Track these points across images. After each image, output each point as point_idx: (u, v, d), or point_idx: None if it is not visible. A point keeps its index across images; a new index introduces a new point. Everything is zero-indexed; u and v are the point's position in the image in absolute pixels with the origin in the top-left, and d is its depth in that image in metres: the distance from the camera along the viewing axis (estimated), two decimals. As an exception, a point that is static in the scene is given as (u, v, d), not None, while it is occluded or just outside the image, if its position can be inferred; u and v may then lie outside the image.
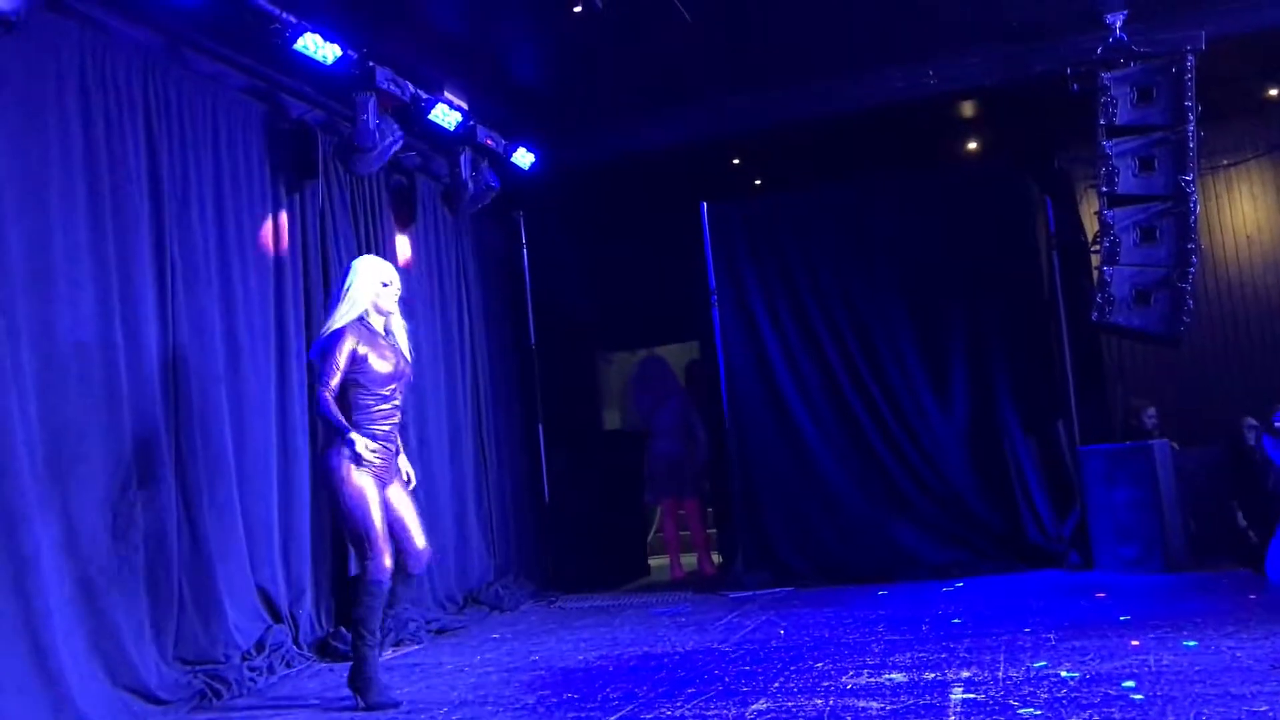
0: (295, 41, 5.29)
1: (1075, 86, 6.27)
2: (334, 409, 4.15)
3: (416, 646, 5.78)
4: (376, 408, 4.24)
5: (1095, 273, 6.38)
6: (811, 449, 7.08)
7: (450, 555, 6.90)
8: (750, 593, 6.77)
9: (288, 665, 5.14)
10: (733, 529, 7.67)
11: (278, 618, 5.36)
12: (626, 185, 7.91)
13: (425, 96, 6.28)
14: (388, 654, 5.51)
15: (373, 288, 4.33)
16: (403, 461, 4.44)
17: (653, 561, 9.01)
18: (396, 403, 4.31)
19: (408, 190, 6.97)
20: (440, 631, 6.18)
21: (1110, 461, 6.31)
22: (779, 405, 7.19)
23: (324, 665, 5.31)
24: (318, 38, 5.38)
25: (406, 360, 4.38)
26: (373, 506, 4.15)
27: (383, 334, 4.35)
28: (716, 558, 8.47)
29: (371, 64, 5.75)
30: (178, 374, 5.00)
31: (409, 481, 4.44)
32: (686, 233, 7.53)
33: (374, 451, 4.13)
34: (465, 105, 6.69)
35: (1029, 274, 6.95)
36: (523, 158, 7.30)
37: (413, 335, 6.70)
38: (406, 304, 6.70)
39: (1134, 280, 6.11)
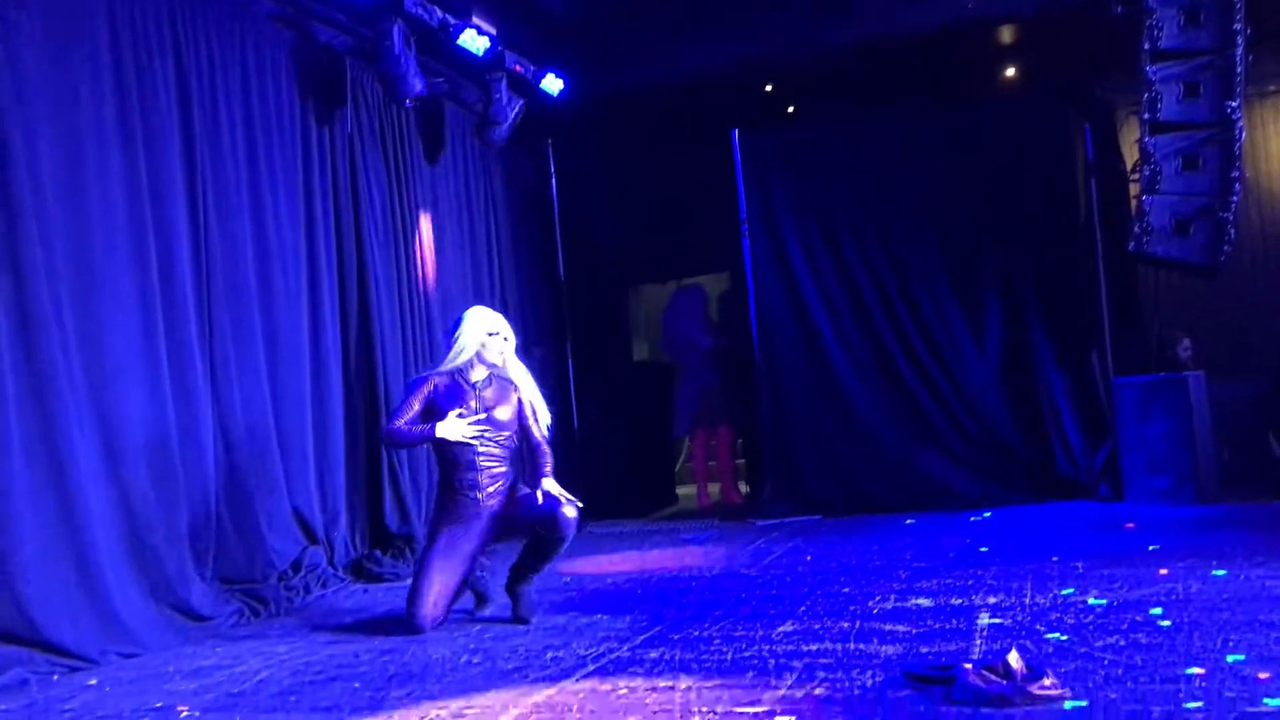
0: (323, -35, 5.23)
1: (1119, 9, 6.09)
2: (402, 430, 4.21)
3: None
4: (448, 458, 4.25)
5: (1134, 202, 6.27)
6: (842, 380, 7.06)
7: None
8: (777, 521, 6.82)
9: (323, 585, 5.26)
10: (761, 459, 7.72)
11: (313, 540, 5.47)
12: (657, 113, 7.82)
13: (453, 22, 6.21)
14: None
15: (477, 338, 4.25)
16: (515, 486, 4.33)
17: (680, 491, 9.08)
18: (483, 454, 4.22)
19: (436, 117, 6.93)
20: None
21: (1144, 393, 6.26)
22: (810, 337, 7.16)
23: (358, 586, 5.43)
24: (346, -38, 5.32)
25: (509, 414, 4.27)
26: (433, 560, 4.18)
27: (481, 386, 4.27)
28: (744, 487, 8.53)
29: (400, -11, 5.69)
30: (211, 299, 5.05)
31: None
32: (718, 162, 7.44)
33: (466, 435, 4.17)
34: (494, 30, 6.60)
35: (1066, 204, 6.83)
36: (552, 84, 7.21)
37: (440, 269, 6.82)
38: (435, 230, 6.83)
39: (1174, 209, 6.00)
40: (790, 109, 8.43)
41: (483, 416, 4.21)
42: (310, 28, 5.90)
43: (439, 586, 4.15)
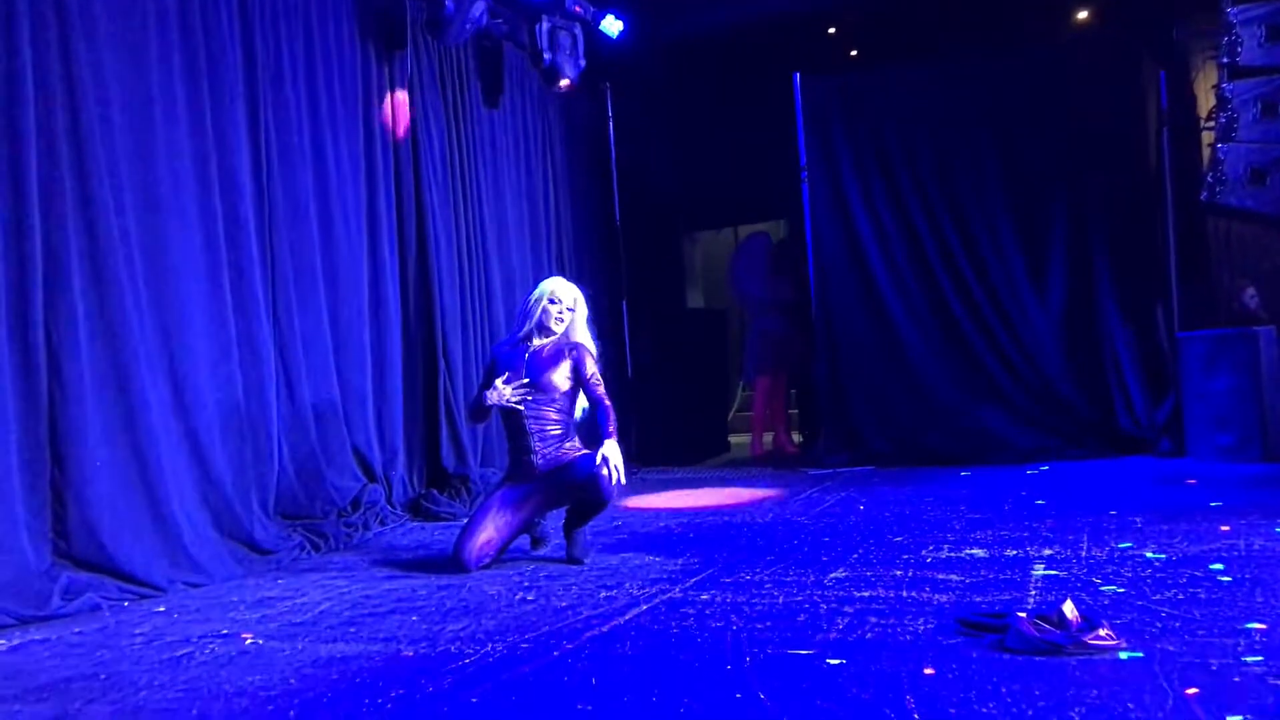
0: (383, -94, 5.21)
1: (1200, -50, 5.88)
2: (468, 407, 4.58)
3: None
4: (506, 420, 4.39)
5: (1208, 150, 6.08)
6: (900, 330, 6.98)
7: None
8: (831, 471, 6.81)
9: (382, 523, 5.37)
10: (816, 409, 7.69)
11: (372, 478, 5.58)
12: (717, 56, 7.73)
13: (514, -38, 6.16)
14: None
15: (539, 305, 4.35)
16: (574, 447, 4.35)
17: (733, 439, 9.09)
18: (533, 418, 4.29)
19: (496, 60, 6.91)
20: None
21: (1210, 347, 6.11)
22: (868, 285, 7.08)
23: (416, 524, 5.53)
24: (405, -99, 5.29)
25: (562, 377, 4.30)
26: (485, 509, 4.30)
27: (538, 352, 4.34)
28: (797, 437, 8.51)
29: (460, -71, 5.65)
30: (274, 243, 5.13)
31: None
32: (778, 107, 7.34)
33: (510, 398, 4.25)
34: (553, -30, 6.54)
35: (1137, 153, 6.63)
36: (611, 25, 7.14)
37: (497, 213, 6.82)
38: (493, 174, 6.83)
39: (1250, 158, 5.80)
40: (853, 53, 8.28)
41: (525, 381, 4.28)
42: (371, -31, 5.89)
43: (488, 533, 4.24)
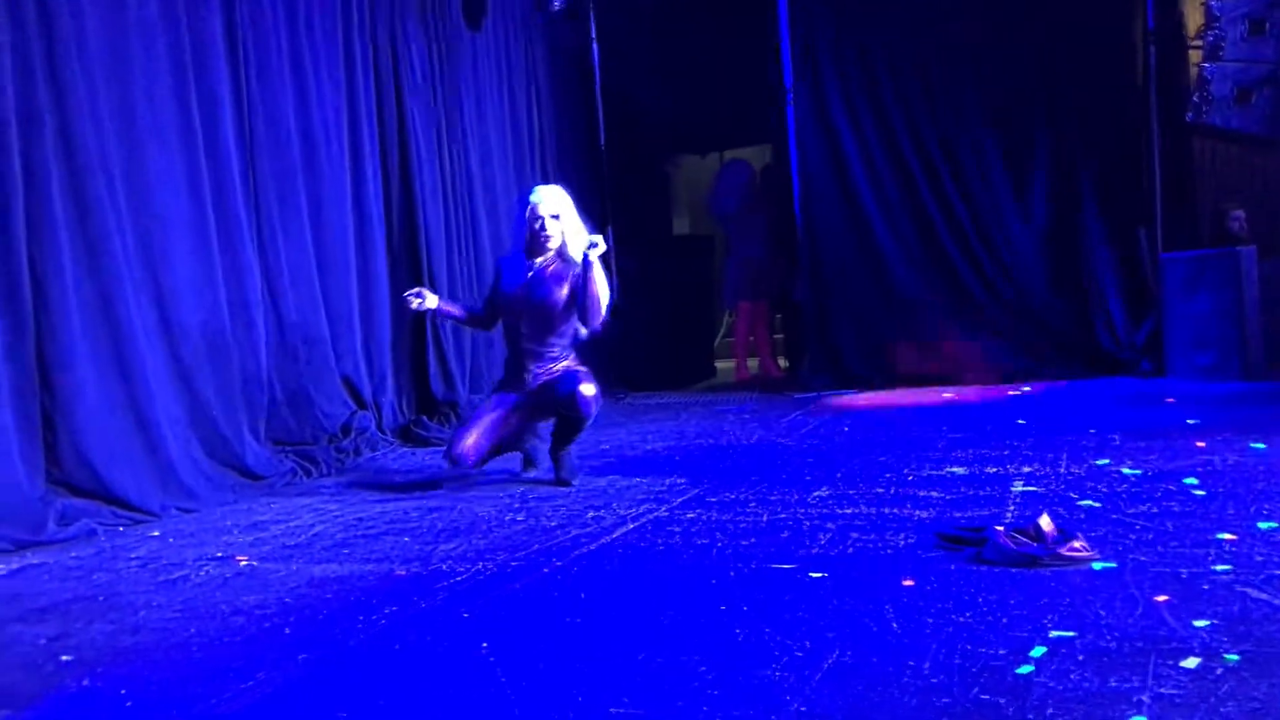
0: None
1: None
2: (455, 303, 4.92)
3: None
4: (508, 334, 4.47)
5: (1194, 70, 6.05)
6: (884, 254, 7.00)
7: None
8: (815, 394, 6.87)
9: (372, 448, 5.42)
10: (800, 333, 7.73)
11: (362, 405, 5.62)
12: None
13: (493, -123, 6.02)
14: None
15: (529, 222, 4.37)
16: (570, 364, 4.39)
17: (719, 364, 9.15)
18: (529, 335, 4.34)
19: (476, -18, 6.79)
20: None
21: (1192, 268, 6.16)
22: (853, 209, 7.07)
23: (406, 449, 5.59)
24: None
25: (561, 295, 4.30)
26: (482, 408, 4.44)
27: (541, 267, 4.34)
28: (783, 362, 8.57)
29: None
30: (256, 165, 5.10)
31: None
32: (764, 26, 7.25)
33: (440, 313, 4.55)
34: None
35: (1123, 70, 6.58)
36: (594, -55, 7.01)
37: (480, 135, 6.76)
38: (475, 101, 6.76)
39: (1236, 78, 5.81)
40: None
41: (521, 295, 4.32)
42: (348, -115, 5.75)
43: (479, 433, 4.32)
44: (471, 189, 6.62)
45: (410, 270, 6.11)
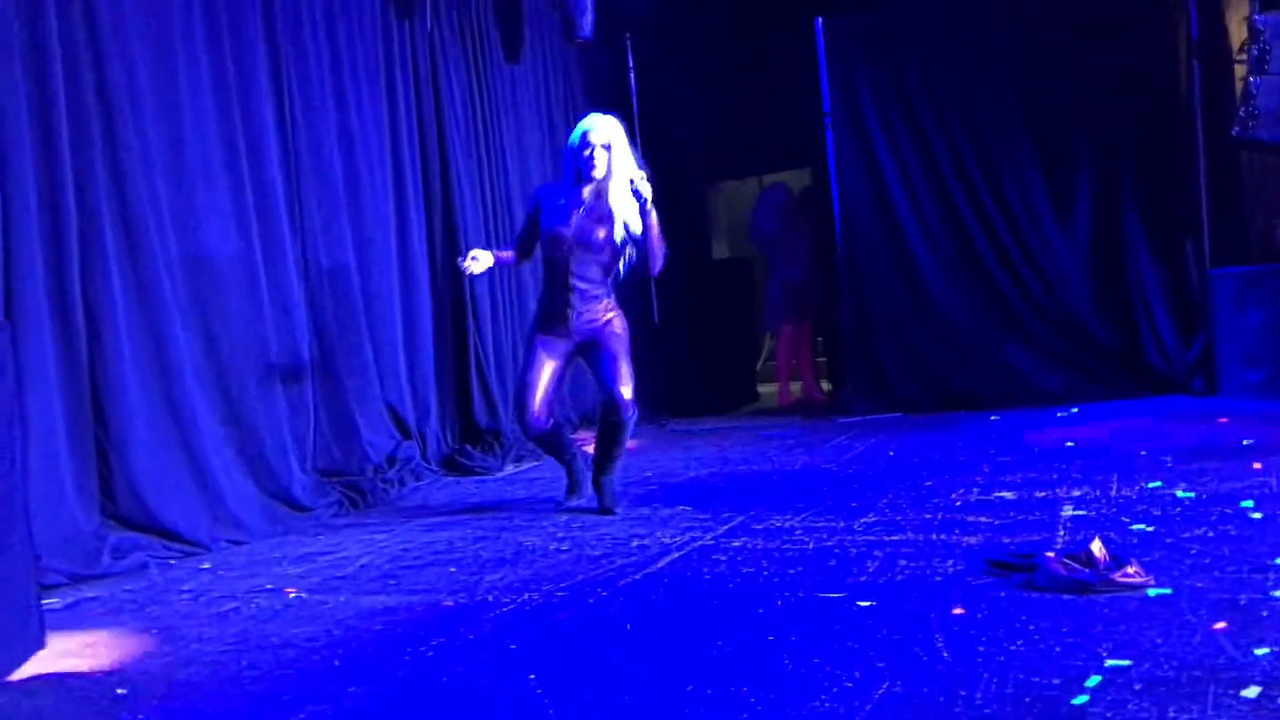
0: None
1: (1230, -124, 5.74)
2: (505, 247, 4.53)
3: (536, 462, 6.04)
4: (548, 269, 4.31)
5: (1239, 84, 5.97)
6: (926, 274, 6.94)
7: (565, 379, 7.10)
8: (860, 418, 6.82)
9: (417, 478, 5.46)
10: (843, 356, 7.68)
11: (406, 434, 5.66)
12: (737, 3, 7.64)
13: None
14: (508, 469, 5.80)
15: (577, 152, 4.21)
16: (613, 313, 4.30)
17: (761, 389, 9.12)
18: (577, 273, 4.21)
19: (515, 15, 6.87)
20: (558, 450, 6.43)
21: (1242, 283, 6.05)
22: (894, 229, 7.03)
23: (451, 479, 5.62)
24: None
25: (596, 226, 4.18)
26: (533, 361, 4.29)
27: (590, 199, 4.21)
28: (825, 385, 8.53)
29: (475, -120, 5.60)
30: (301, 200, 5.18)
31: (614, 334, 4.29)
32: (800, 52, 7.25)
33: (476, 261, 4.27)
34: (571, -79, 6.48)
35: (1166, 85, 6.50)
36: (630, -24, 7.08)
37: (520, 165, 6.83)
38: (515, 130, 6.83)
39: (1283, 91, 5.70)
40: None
41: (569, 230, 4.18)
42: (388, -75, 5.86)
43: (542, 394, 4.28)
44: (513, 218, 6.67)
45: (454, 301, 6.17)
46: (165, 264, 4.31)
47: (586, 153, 4.16)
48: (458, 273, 6.16)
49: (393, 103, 5.83)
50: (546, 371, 4.29)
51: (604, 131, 4.18)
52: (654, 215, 4.17)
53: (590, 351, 4.31)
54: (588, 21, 5.84)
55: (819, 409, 7.67)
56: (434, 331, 6.00)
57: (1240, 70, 6.02)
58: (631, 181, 4.10)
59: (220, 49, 4.74)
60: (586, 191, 4.22)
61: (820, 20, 7.08)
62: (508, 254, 4.48)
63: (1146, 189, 6.52)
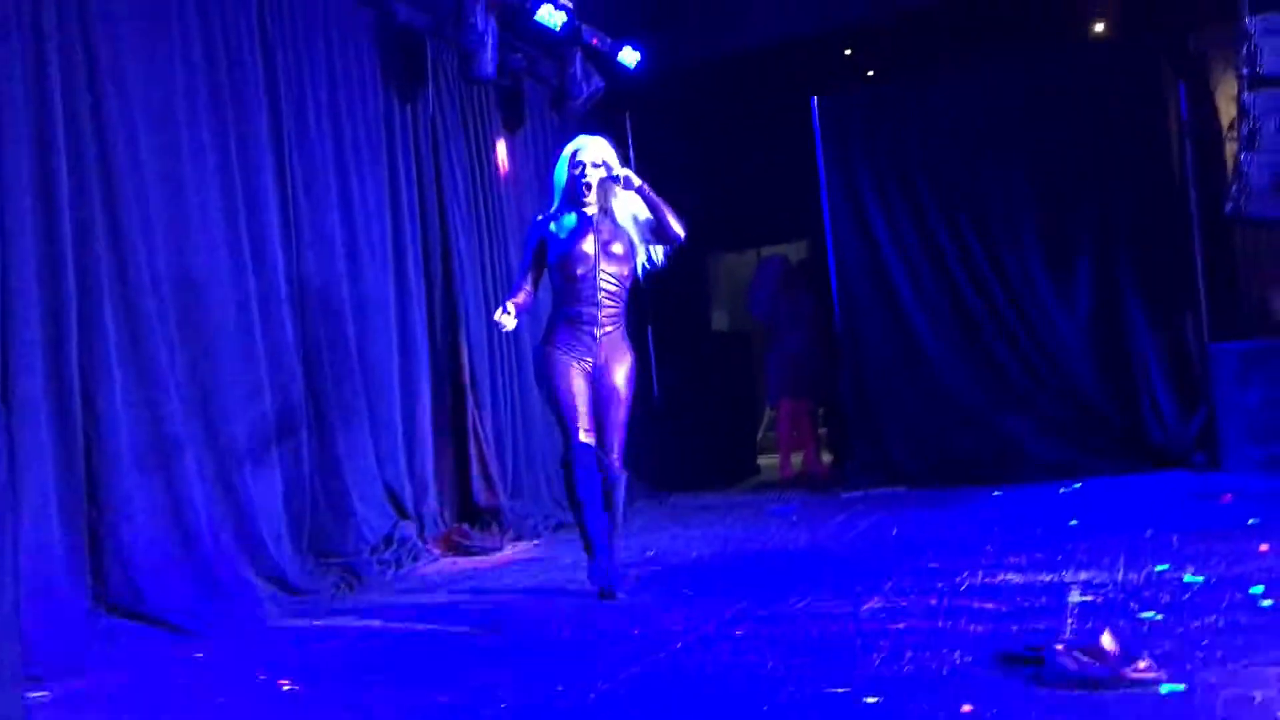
0: (402, -54, 5.29)
1: (1217, -41, 5.86)
2: (515, 292, 4.22)
3: (536, 542, 5.99)
4: (570, 288, 4.16)
5: (1231, 161, 6.03)
6: (926, 347, 6.95)
7: (564, 456, 7.07)
8: (862, 493, 6.77)
9: (414, 559, 5.39)
10: (844, 429, 7.66)
11: (404, 514, 5.61)
12: (735, 81, 7.76)
13: (531, -3, 6.23)
14: (507, 550, 5.74)
15: (563, 172, 4.19)
16: (625, 347, 4.24)
17: (762, 461, 9.08)
18: (603, 289, 4.13)
19: (515, 94, 6.98)
20: (558, 528, 6.36)
21: (1244, 360, 6.04)
22: (893, 303, 7.06)
23: (448, 560, 5.56)
24: (424, -58, 5.37)
25: (623, 250, 4.17)
26: (565, 381, 4.11)
27: (598, 220, 4.16)
28: (826, 457, 8.49)
29: (478, -34, 5.72)
30: (302, 278, 5.19)
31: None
32: (797, 129, 7.35)
33: (509, 315, 4.06)
34: (570, 4, 6.60)
35: (1159, 162, 6.57)
36: (628, 56, 7.21)
37: (520, 241, 6.84)
38: (516, 208, 6.88)
39: (1274, 168, 5.73)
40: (870, 73, 8.29)
41: (585, 249, 4.11)
42: (391, 7, 5.96)
43: (585, 415, 4.12)
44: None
45: (453, 379, 6.15)
46: (164, 340, 4.31)
47: (578, 171, 4.15)
48: (456, 346, 6.22)
49: (394, 183, 5.88)
50: (580, 386, 4.14)
51: (594, 149, 4.18)
52: (649, 189, 4.13)
53: (599, 381, 4.18)
54: (488, 59, 5.84)
55: (821, 482, 7.63)
56: (433, 409, 5.97)
57: (1231, 148, 6.08)
58: (619, 178, 4.10)
59: (224, 124, 4.78)
60: (592, 209, 4.18)
61: (816, 99, 7.17)
62: (520, 299, 4.22)
63: (1145, 264, 6.55)
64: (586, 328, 4.16)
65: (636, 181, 4.10)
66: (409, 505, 5.67)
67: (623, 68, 7.18)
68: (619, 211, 4.21)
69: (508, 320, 4.05)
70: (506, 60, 6.28)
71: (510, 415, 6.52)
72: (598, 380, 4.18)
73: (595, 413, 4.17)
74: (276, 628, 4.19)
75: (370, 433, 5.50)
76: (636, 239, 4.23)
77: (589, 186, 4.13)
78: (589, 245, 4.13)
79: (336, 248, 5.42)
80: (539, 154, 7.25)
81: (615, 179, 4.13)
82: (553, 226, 4.20)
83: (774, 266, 8.45)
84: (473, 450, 6.12)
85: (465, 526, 5.90)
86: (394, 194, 5.88)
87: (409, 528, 5.56)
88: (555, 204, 4.25)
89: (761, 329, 8.74)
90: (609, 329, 4.18)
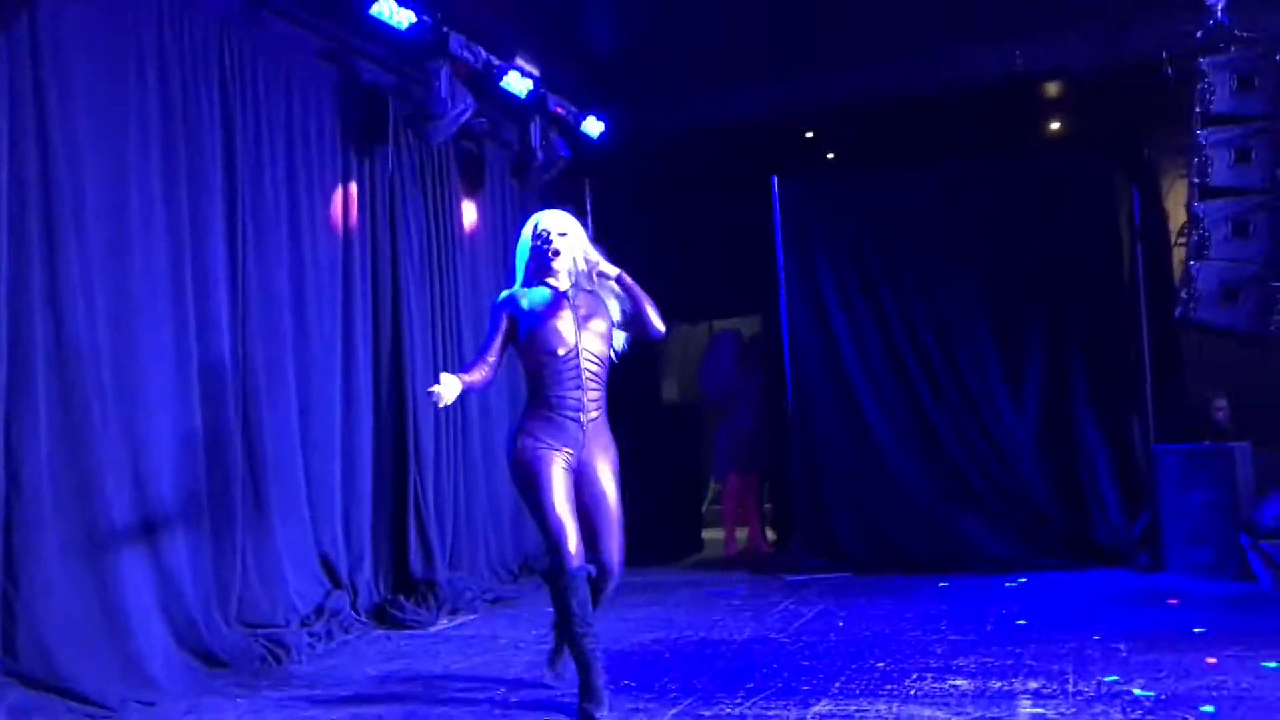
0: (371, 6, 5.25)
1: (1170, 71, 6.02)
2: (470, 368, 3.77)
3: (472, 616, 5.81)
4: (551, 370, 3.72)
5: (1180, 267, 6.15)
6: (876, 433, 6.93)
7: (506, 522, 6.92)
8: (807, 576, 6.69)
9: (346, 631, 5.20)
10: (790, 508, 7.60)
11: (337, 583, 5.41)
12: (696, 156, 7.79)
13: (497, 63, 6.21)
14: (442, 623, 5.55)
15: (525, 246, 3.85)
16: (608, 435, 3.87)
17: (706, 535, 8.97)
18: (586, 370, 3.73)
19: (476, 157, 6.92)
20: (495, 601, 6.21)
21: (1187, 462, 6.11)
22: (844, 386, 7.05)
23: (381, 632, 5.36)
24: (393, 2, 5.33)
25: (604, 328, 3.81)
26: (551, 484, 3.65)
27: (573, 296, 3.80)
28: (771, 535, 8.41)
29: (446, 30, 5.69)
30: (246, 337, 5.03)
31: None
32: (756, 206, 7.37)
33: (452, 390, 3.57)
34: (537, 72, 6.60)
35: (1111, 266, 6.68)
36: (592, 126, 7.21)
37: (474, 305, 6.76)
38: (470, 272, 6.79)
39: (1222, 276, 5.86)
40: (830, 155, 8.38)
41: (561, 328, 3.72)
42: (355, 65, 5.89)
43: (571, 517, 3.65)
44: (462, 361, 6.56)
45: (396, 442, 5.98)
46: (98, 395, 4.12)
47: (540, 242, 3.81)
48: (401, 409, 6.06)
49: (348, 243, 5.75)
50: (567, 488, 3.68)
51: (557, 221, 3.85)
52: (628, 278, 3.81)
53: (584, 479, 3.75)
54: (449, 123, 5.76)
55: (765, 562, 7.54)
56: (373, 474, 5.80)
57: (1181, 253, 6.21)
58: (596, 266, 3.78)
59: (176, 183, 4.64)
60: (564, 285, 3.81)
61: (776, 179, 7.21)
62: (475, 376, 3.75)
63: (1095, 365, 6.63)
64: (571, 415, 3.72)
65: (613, 271, 3.80)
66: (343, 574, 5.47)
67: (586, 136, 7.17)
68: (597, 286, 3.86)
69: (446, 392, 3.56)
70: (470, 123, 6.23)
71: (452, 480, 6.36)
72: (582, 476, 3.75)
73: (587, 517, 3.73)
74: (197, 704, 3.98)
75: (307, 496, 5.32)
76: (616, 315, 3.89)
77: (556, 253, 3.77)
78: (566, 322, 3.74)
79: (284, 305, 5.27)
80: (497, 217, 7.18)
81: (592, 267, 3.80)
82: (523, 303, 3.79)
83: (728, 342, 8.44)
84: (412, 516, 5.92)
85: (400, 598, 5.69)
86: (346, 252, 5.75)
87: (342, 598, 5.36)
88: (519, 281, 3.90)
89: (711, 403, 8.69)
90: (594, 415, 3.77)
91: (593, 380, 3.77)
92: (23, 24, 3.92)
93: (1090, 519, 6.56)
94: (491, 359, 3.80)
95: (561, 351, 3.71)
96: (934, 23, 6.45)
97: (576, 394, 3.73)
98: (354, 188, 5.83)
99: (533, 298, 3.80)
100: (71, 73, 4.13)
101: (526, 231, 3.90)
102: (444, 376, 3.64)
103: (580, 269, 3.82)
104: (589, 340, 3.76)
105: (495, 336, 3.81)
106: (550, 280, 3.81)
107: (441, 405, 3.61)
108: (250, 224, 5.08)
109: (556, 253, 3.78)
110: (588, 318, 3.79)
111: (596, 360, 3.77)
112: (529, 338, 3.75)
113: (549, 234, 3.81)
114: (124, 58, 4.42)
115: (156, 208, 4.55)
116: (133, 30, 4.47)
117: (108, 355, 4.20)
